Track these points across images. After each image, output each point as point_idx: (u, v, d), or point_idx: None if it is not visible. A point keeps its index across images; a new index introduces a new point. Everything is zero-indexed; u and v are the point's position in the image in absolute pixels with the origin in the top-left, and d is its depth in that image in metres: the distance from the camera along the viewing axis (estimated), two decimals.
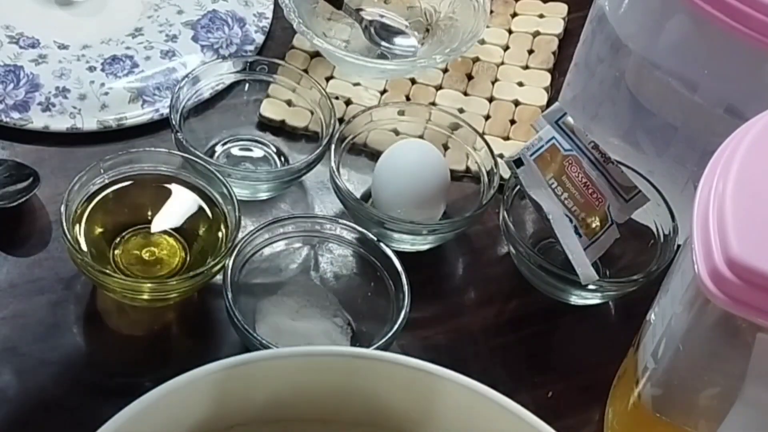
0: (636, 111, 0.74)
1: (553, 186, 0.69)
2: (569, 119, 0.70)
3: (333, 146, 0.74)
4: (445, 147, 0.78)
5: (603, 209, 0.70)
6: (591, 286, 0.68)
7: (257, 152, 0.79)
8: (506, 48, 0.88)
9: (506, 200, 0.72)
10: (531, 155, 0.69)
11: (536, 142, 0.69)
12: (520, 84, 0.86)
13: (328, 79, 0.84)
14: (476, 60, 0.87)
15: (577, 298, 0.72)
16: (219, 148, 0.78)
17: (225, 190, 0.69)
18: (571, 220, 0.69)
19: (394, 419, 0.52)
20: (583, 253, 0.68)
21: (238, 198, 0.69)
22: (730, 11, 0.61)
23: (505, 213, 0.72)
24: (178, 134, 0.72)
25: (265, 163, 0.78)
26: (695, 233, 0.52)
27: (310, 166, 0.74)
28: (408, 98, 0.84)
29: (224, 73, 0.79)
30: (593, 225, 0.70)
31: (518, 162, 0.69)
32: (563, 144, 0.70)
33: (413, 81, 0.85)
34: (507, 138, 0.82)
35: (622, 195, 0.71)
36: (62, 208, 0.66)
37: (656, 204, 0.72)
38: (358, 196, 0.74)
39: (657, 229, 0.73)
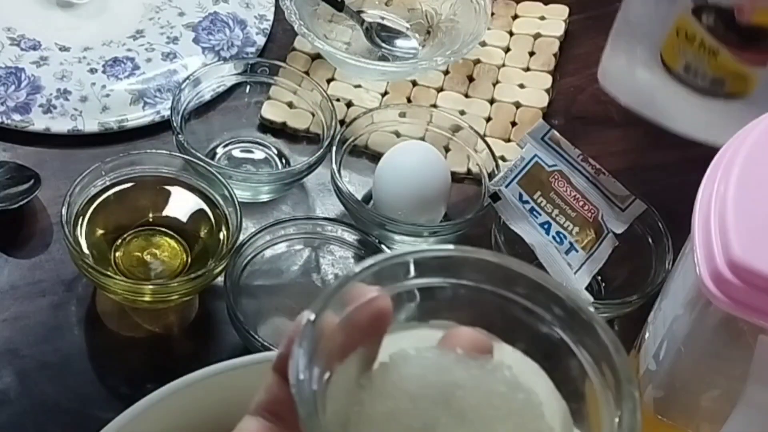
0: None
1: (542, 204, 0.69)
2: (555, 134, 0.71)
3: (334, 148, 0.73)
4: (446, 149, 0.78)
5: (597, 220, 0.70)
6: None
7: (258, 154, 0.79)
8: (507, 50, 0.88)
9: (498, 218, 0.70)
10: (514, 178, 0.69)
11: (518, 163, 0.69)
12: (521, 86, 0.86)
13: (329, 81, 0.84)
14: (477, 62, 0.87)
15: None
16: (220, 150, 0.78)
17: (226, 192, 0.69)
18: (564, 237, 0.68)
19: None
20: (573, 278, 0.67)
21: (240, 200, 0.69)
22: None
23: (496, 231, 0.70)
24: (179, 136, 0.72)
25: (266, 165, 0.78)
26: (697, 235, 0.52)
27: (311, 168, 0.74)
28: (409, 100, 0.84)
29: (225, 75, 0.79)
30: (588, 237, 0.69)
31: (495, 197, 0.68)
32: (546, 160, 0.70)
33: (414, 83, 0.85)
34: (508, 140, 0.82)
35: (617, 204, 0.71)
36: (63, 210, 0.66)
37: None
38: (359, 198, 0.74)
39: (651, 246, 0.71)
